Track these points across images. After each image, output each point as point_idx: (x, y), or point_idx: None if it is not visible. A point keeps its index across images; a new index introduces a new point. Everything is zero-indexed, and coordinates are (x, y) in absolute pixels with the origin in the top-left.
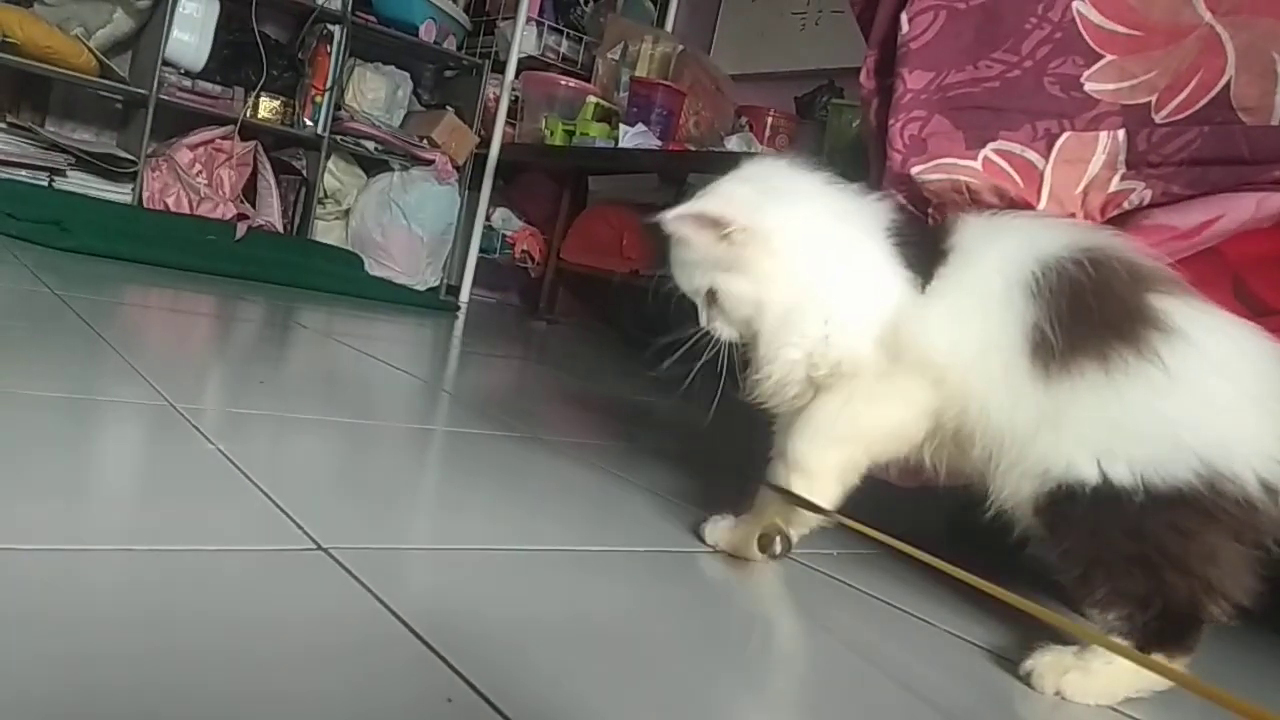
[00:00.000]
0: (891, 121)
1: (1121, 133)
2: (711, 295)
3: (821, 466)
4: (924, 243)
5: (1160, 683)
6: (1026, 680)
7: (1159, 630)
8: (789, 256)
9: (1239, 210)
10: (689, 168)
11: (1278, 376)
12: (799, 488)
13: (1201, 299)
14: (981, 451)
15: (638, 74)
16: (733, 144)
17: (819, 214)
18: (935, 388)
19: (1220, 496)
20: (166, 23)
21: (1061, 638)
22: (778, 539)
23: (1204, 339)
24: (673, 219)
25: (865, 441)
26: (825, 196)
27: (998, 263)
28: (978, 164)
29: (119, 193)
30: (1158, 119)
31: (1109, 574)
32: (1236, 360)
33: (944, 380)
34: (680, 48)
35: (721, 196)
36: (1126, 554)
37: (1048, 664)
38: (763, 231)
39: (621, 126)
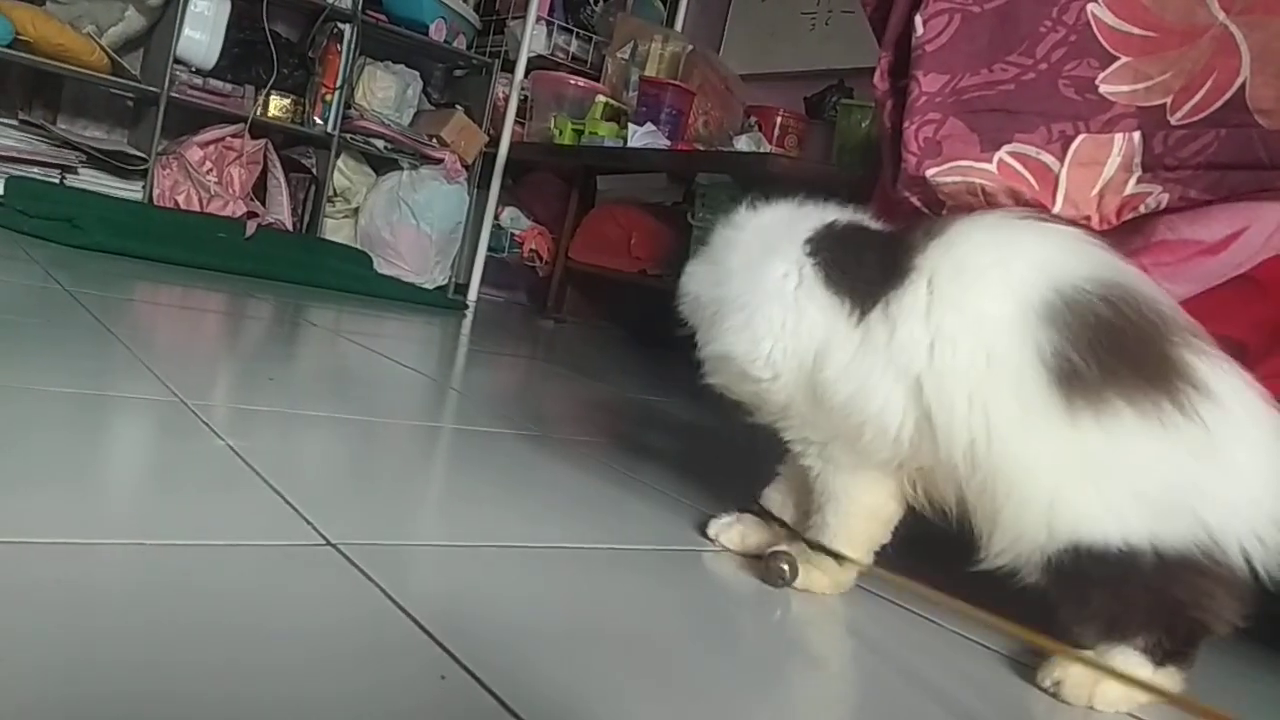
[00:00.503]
0: (906, 124)
1: (1137, 135)
2: None
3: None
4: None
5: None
6: (1055, 691)
7: (1173, 650)
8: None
9: (1266, 221)
10: (698, 167)
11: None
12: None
13: (1219, 352)
14: (975, 492)
15: (647, 73)
16: (742, 144)
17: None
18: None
19: (1215, 564)
20: (178, 21)
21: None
22: (786, 569)
23: (1231, 402)
24: None
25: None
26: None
27: (1004, 284)
28: (993, 166)
29: (130, 190)
30: (1173, 121)
31: (1126, 626)
32: (1253, 428)
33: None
34: (690, 47)
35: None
36: (1142, 607)
37: (1077, 674)
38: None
39: (630, 126)
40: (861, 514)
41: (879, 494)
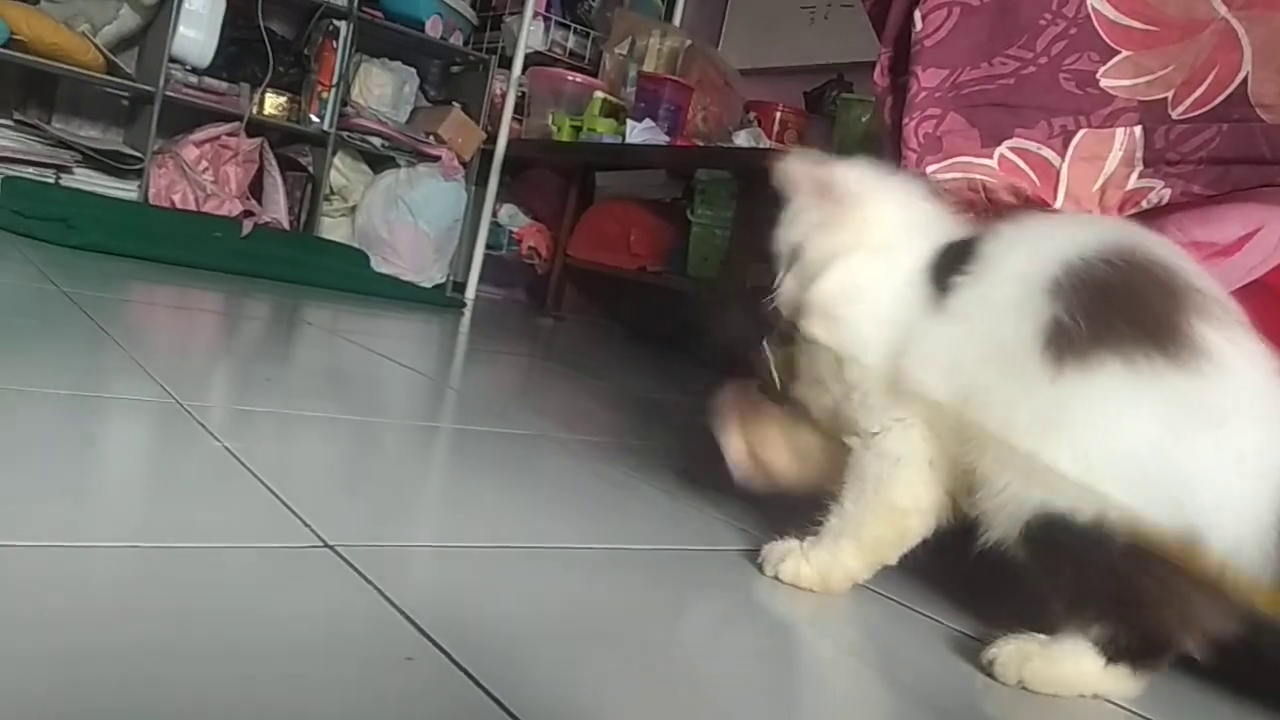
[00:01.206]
0: (906, 120)
1: (1138, 129)
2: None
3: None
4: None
5: (1122, 695)
6: (989, 669)
7: (1130, 647)
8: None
9: (1278, 222)
10: (697, 163)
11: None
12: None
13: (1242, 326)
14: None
15: (645, 69)
16: (741, 139)
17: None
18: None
19: (1192, 558)
20: (173, 19)
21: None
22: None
23: (1240, 376)
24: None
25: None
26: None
27: (1019, 266)
28: (993, 162)
29: (125, 190)
30: (1175, 115)
31: (1097, 609)
32: (1262, 407)
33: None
34: (688, 42)
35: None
36: (1101, 592)
37: (1010, 653)
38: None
39: (629, 122)
40: (884, 511)
41: (909, 498)
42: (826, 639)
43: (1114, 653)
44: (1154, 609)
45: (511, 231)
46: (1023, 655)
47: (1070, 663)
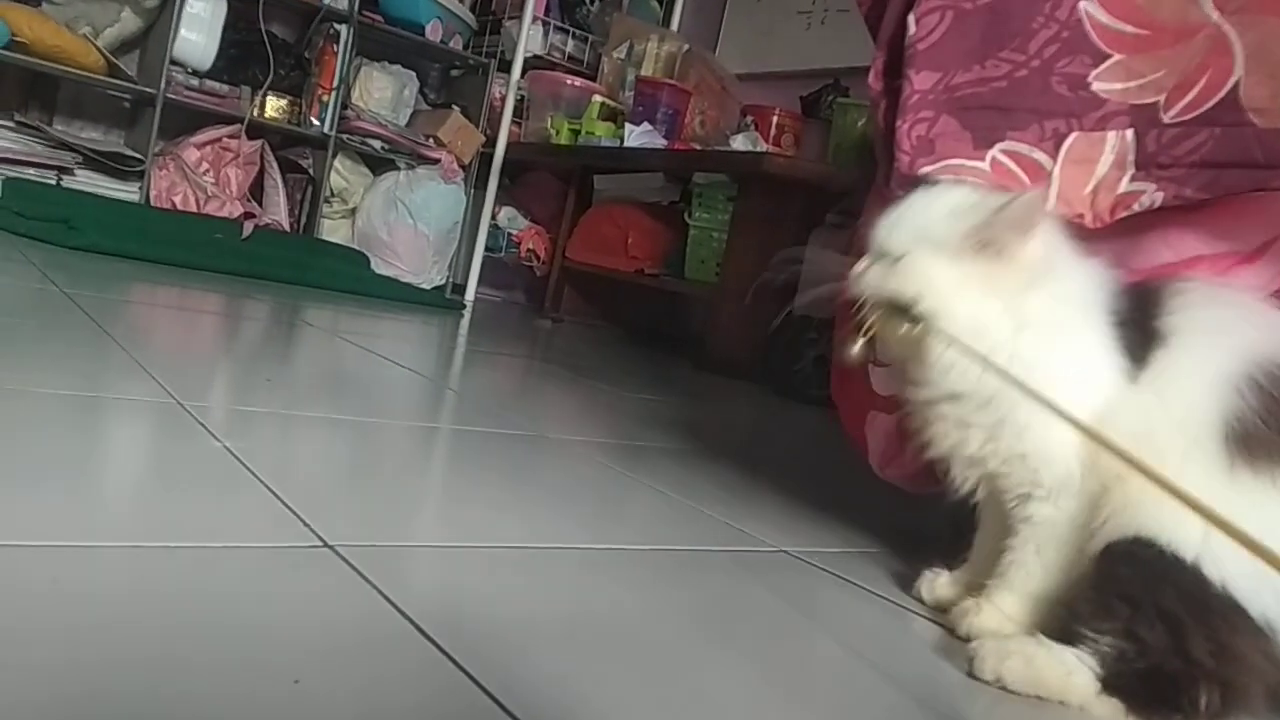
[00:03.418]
0: (899, 122)
1: (1130, 132)
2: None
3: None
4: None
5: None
6: (969, 665)
7: (1136, 686)
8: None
9: None
10: (694, 167)
11: None
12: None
13: None
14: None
15: (643, 73)
16: (738, 143)
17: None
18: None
19: (1255, 634)
20: (174, 22)
21: None
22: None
23: None
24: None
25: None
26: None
27: (1218, 355)
28: (986, 164)
29: (127, 191)
30: (1166, 119)
31: (1135, 618)
32: None
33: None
34: (686, 47)
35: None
36: (1166, 610)
37: (990, 650)
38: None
39: (627, 125)
40: (1054, 567)
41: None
42: (827, 638)
43: (1116, 683)
44: (1191, 664)
45: (510, 234)
46: (1002, 653)
47: (1059, 668)
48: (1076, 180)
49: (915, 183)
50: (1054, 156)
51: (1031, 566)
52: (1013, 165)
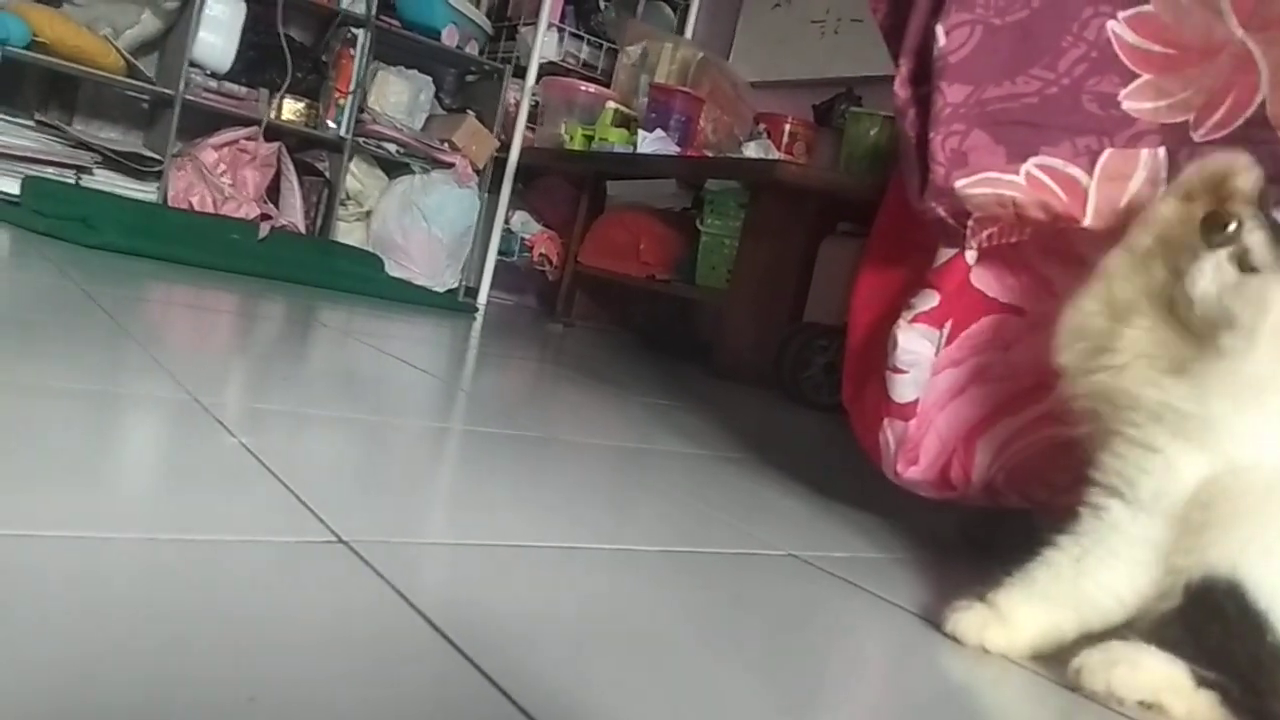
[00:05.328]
0: (932, 134)
1: (1162, 151)
2: None
3: (1025, 621)
4: None
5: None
6: (1075, 678)
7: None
8: None
9: None
10: (707, 173)
11: None
12: (995, 634)
13: None
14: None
15: (657, 80)
16: (750, 150)
17: None
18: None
19: None
20: (193, 24)
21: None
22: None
23: None
24: None
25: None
26: None
27: None
28: (1020, 178)
29: (145, 191)
30: (1196, 138)
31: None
32: None
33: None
34: (700, 54)
35: None
36: (1250, 659)
37: (1098, 661)
38: None
39: (640, 132)
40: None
41: None
42: (835, 642)
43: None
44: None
45: (523, 238)
46: (1110, 661)
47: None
48: (1112, 196)
49: (950, 195)
50: (1089, 172)
51: (1064, 568)
52: (1048, 180)
